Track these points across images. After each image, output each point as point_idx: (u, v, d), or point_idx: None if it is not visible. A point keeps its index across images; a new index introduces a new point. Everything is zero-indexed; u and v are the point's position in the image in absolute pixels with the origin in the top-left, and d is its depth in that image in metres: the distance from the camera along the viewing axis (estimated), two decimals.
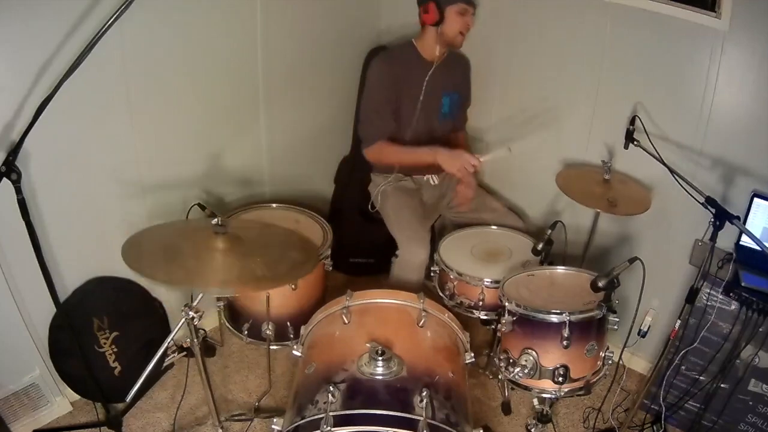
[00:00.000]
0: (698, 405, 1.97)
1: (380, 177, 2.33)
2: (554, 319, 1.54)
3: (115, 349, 1.93)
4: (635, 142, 1.91)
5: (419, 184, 2.36)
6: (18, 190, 1.49)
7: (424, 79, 2.16)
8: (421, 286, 2.10)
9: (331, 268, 1.99)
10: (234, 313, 1.99)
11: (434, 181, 2.38)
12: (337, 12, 2.45)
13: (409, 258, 2.06)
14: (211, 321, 2.41)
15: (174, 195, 2.06)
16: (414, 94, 2.18)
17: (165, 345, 1.41)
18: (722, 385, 1.88)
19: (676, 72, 1.90)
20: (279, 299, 1.84)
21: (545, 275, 1.82)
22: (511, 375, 1.62)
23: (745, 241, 1.83)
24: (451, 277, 1.96)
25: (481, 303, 1.92)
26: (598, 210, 1.96)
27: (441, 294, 2.03)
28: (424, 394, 1.28)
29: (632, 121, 1.93)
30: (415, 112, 2.20)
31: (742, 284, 1.72)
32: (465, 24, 2.08)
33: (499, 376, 1.72)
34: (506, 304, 1.65)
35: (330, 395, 1.28)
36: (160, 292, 2.13)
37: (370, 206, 2.32)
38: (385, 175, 2.31)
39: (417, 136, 2.23)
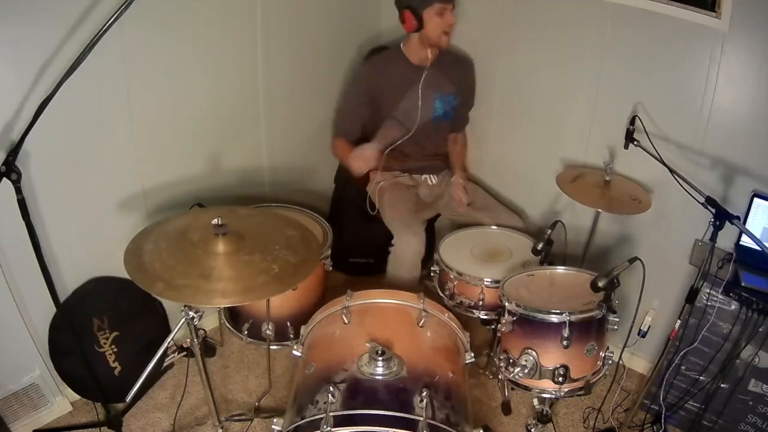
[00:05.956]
0: (698, 405, 1.96)
1: (379, 175, 2.34)
2: (554, 319, 1.54)
3: (115, 349, 1.93)
4: (635, 142, 1.91)
5: (417, 182, 2.37)
6: (18, 190, 1.49)
7: (414, 83, 2.17)
8: (417, 280, 2.11)
9: (331, 268, 1.99)
10: (234, 313, 1.99)
11: (432, 181, 2.38)
12: (337, 12, 2.45)
13: (403, 247, 2.07)
14: (211, 321, 2.41)
15: (174, 195, 2.06)
16: (398, 99, 2.19)
17: (165, 345, 1.40)
18: (722, 385, 1.88)
19: (676, 72, 1.90)
20: (279, 299, 1.84)
21: (545, 275, 1.82)
22: (511, 375, 1.62)
23: (745, 241, 1.83)
24: (451, 276, 1.96)
25: (481, 303, 1.92)
26: (599, 209, 1.96)
27: (441, 294, 2.03)
28: (424, 394, 1.28)
29: (632, 121, 1.93)
30: (402, 114, 2.21)
31: (742, 284, 1.72)
32: (446, 23, 2.04)
33: (499, 376, 1.71)
34: (506, 304, 1.65)
35: (330, 395, 1.28)
36: None
37: (369, 208, 2.32)
38: (383, 174, 2.32)
39: (407, 136, 2.23)
